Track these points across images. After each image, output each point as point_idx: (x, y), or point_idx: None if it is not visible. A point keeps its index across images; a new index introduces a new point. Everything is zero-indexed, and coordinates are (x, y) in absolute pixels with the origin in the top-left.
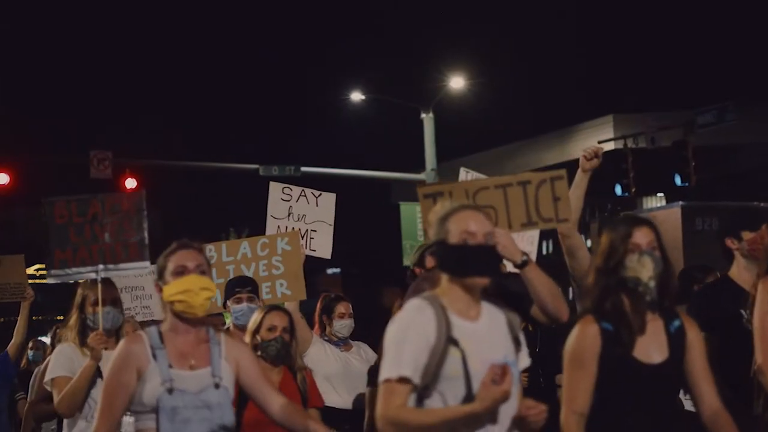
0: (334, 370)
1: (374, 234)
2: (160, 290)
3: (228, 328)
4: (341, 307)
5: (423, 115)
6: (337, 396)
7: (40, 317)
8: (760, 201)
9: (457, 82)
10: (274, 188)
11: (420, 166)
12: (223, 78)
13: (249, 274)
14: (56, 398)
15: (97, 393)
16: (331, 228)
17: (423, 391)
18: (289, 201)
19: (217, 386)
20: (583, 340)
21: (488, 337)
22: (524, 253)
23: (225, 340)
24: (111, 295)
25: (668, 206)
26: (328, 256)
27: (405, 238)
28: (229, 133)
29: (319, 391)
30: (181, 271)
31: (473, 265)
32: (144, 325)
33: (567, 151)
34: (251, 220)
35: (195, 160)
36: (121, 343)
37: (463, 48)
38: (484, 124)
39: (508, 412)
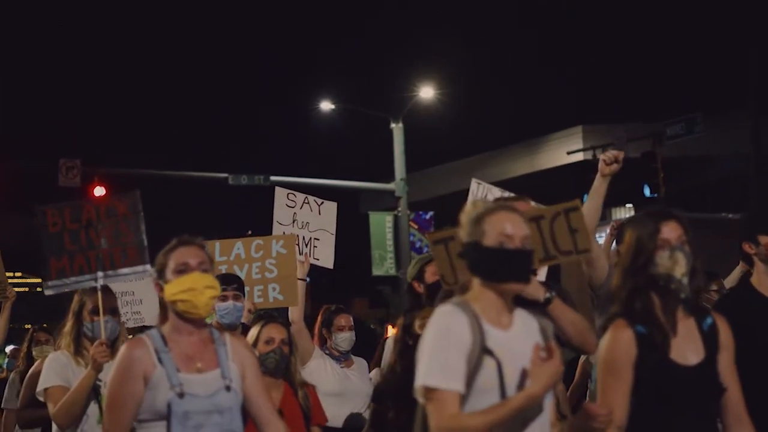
0: (333, 388)
1: (343, 243)
2: (161, 289)
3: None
4: (341, 320)
5: (392, 125)
6: (335, 414)
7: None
8: (728, 212)
9: (426, 92)
10: (280, 194)
11: (389, 176)
12: (193, 87)
13: (241, 275)
14: (52, 409)
15: (91, 407)
16: (333, 237)
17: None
18: (293, 207)
19: (228, 389)
20: (618, 347)
21: (522, 346)
22: (548, 289)
23: (230, 341)
24: (110, 304)
25: None
26: (331, 266)
27: (374, 248)
28: (199, 142)
29: (322, 409)
30: (183, 269)
31: (510, 270)
32: (134, 332)
33: (536, 161)
34: (220, 229)
35: (164, 168)
36: (122, 349)
37: (433, 58)
38: (453, 134)
39: (540, 419)
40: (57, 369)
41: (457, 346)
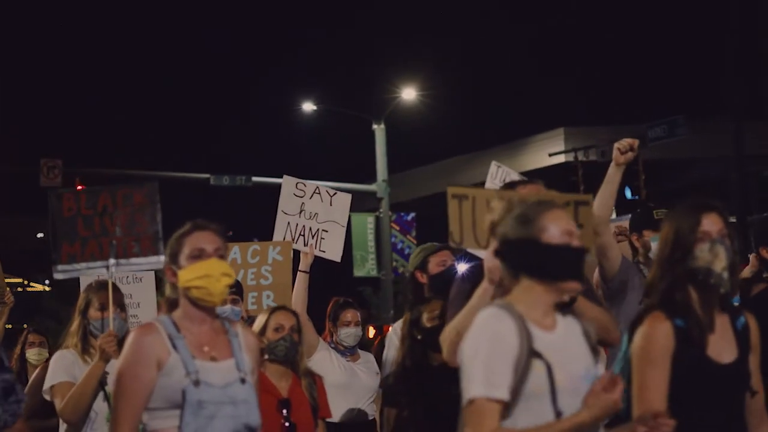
0: (338, 380)
1: None
2: (174, 275)
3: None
4: (348, 315)
5: (375, 126)
6: (338, 408)
7: None
8: None
9: (408, 94)
10: (288, 183)
11: (371, 177)
12: (175, 87)
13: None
14: (59, 404)
15: (98, 404)
16: (344, 230)
17: (503, 411)
18: (302, 197)
19: (243, 381)
20: (656, 339)
21: (567, 348)
22: None
23: (242, 333)
24: (117, 301)
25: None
26: (338, 259)
27: (355, 249)
28: (181, 143)
29: (327, 402)
30: (198, 255)
31: (572, 269)
32: None
33: (518, 163)
34: None
35: (146, 168)
36: (132, 335)
37: (415, 60)
38: (435, 135)
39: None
40: (64, 366)
41: (503, 352)
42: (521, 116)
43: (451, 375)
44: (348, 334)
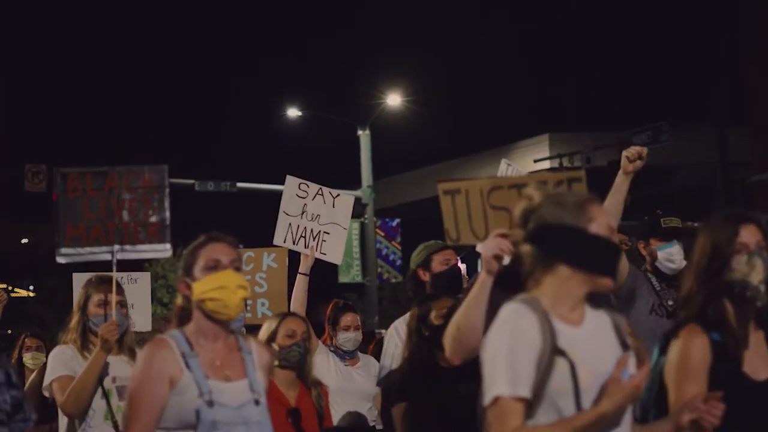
0: (335, 385)
1: None
2: (188, 287)
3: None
4: (347, 319)
5: (359, 132)
6: (334, 413)
7: None
8: (694, 221)
9: (394, 100)
10: (290, 183)
11: (356, 183)
12: (160, 92)
13: None
14: (60, 398)
15: (96, 401)
16: (345, 232)
17: (527, 411)
18: (304, 198)
19: (257, 402)
20: (693, 353)
21: (595, 344)
22: None
23: (256, 350)
24: (119, 296)
25: None
26: (339, 262)
27: None
28: (165, 148)
29: (330, 412)
30: (213, 266)
31: (614, 264)
32: None
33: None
34: (185, 236)
35: None
36: (145, 349)
37: (401, 66)
38: (420, 141)
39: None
40: (63, 360)
41: (525, 349)
42: (506, 122)
43: (458, 373)
44: (347, 338)
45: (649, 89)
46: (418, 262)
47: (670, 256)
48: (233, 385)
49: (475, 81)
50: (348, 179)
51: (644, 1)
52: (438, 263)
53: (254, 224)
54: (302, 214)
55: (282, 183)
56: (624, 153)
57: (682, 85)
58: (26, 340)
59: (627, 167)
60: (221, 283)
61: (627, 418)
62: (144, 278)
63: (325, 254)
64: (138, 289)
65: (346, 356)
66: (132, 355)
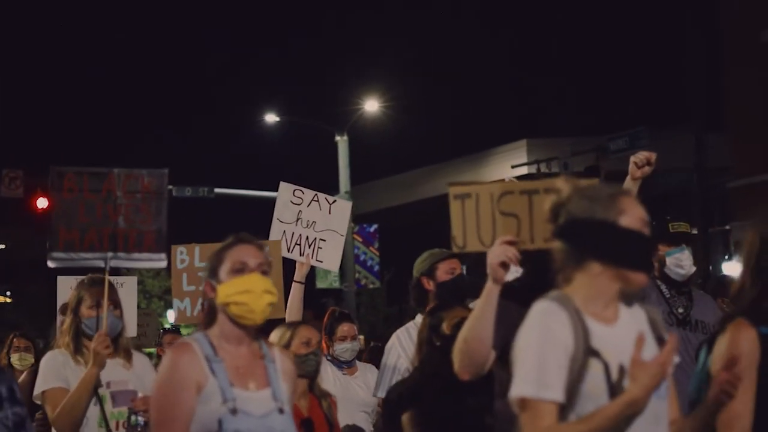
0: (334, 394)
1: None
2: (213, 290)
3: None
4: (344, 329)
5: (337, 138)
6: None
7: None
8: None
9: (371, 106)
10: (284, 189)
11: (334, 189)
12: (137, 97)
13: None
14: (51, 413)
15: (89, 408)
16: (343, 239)
17: (560, 413)
18: (299, 205)
19: (281, 411)
20: (741, 347)
21: (630, 343)
22: None
23: (279, 358)
24: (112, 297)
25: None
26: (336, 269)
27: None
28: (142, 154)
29: (339, 423)
30: (240, 269)
31: (645, 260)
32: None
33: (481, 174)
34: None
35: None
36: (168, 355)
37: (378, 71)
38: (398, 147)
39: (654, 424)
40: (55, 369)
41: (555, 350)
42: (484, 128)
43: (469, 386)
44: (344, 349)
45: (627, 94)
46: (422, 270)
47: (680, 261)
48: (257, 394)
49: (452, 87)
50: (326, 185)
51: (621, 7)
52: (443, 272)
53: (232, 230)
54: (297, 221)
55: (260, 189)
56: (632, 159)
57: (659, 90)
58: (14, 340)
59: (635, 173)
60: (247, 287)
61: (663, 410)
62: (130, 282)
63: (321, 261)
64: (124, 293)
65: (344, 365)
66: (128, 357)
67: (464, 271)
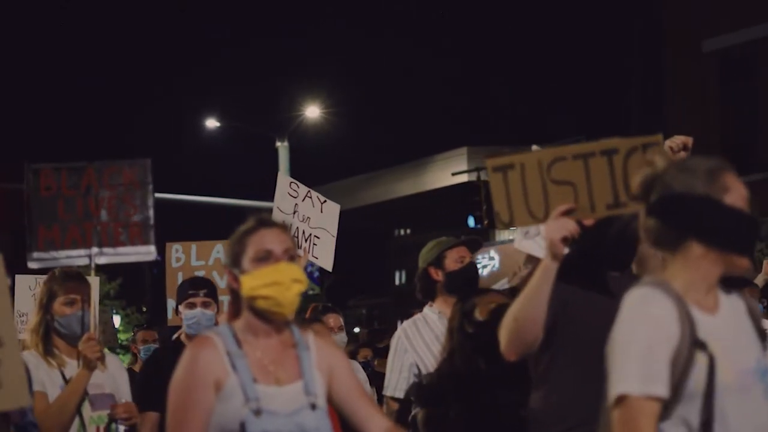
0: None
1: None
2: (236, 280)
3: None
4: (329, 320)
5: (278, 144)
6: None
7: None
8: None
9: (312, 112)
10: (282, 180)
11: (274, 194)
12: (79, 101)
13: (221, 282)
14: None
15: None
16: (334, 240)
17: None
18: (295, 198)
19: (313, 407)
20: None
21: (733, 334)
22: None
23: (315, 344)
24: (86, 295)
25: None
26: (330, 268)
27: None
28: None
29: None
30: (265, 257)
31: (749, 242)
32: None
33: (421, 182)
34: None
35: None
36: (187, 351)
37: (320, 78)
38: (339, 153)
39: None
40: (30, 373)
41: (662, 341)
42: (424, 135)
43: (500, 378)
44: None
45: (567, 103)
46: (429, 260)
47: None
48: (286, 390)
49: (394, 94)
50: (266, 190)
51: (560, 16)
52: (452, 261)
53: (172, 236)
54: (294, 213)
55: (201, 194)
56: (668, 143)
57: (599, 99)
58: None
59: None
60: (274, 279)
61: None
62: (93, 282)
63: (317, 258)
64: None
65: None
66: (102, 359)
67: (473, 259)
